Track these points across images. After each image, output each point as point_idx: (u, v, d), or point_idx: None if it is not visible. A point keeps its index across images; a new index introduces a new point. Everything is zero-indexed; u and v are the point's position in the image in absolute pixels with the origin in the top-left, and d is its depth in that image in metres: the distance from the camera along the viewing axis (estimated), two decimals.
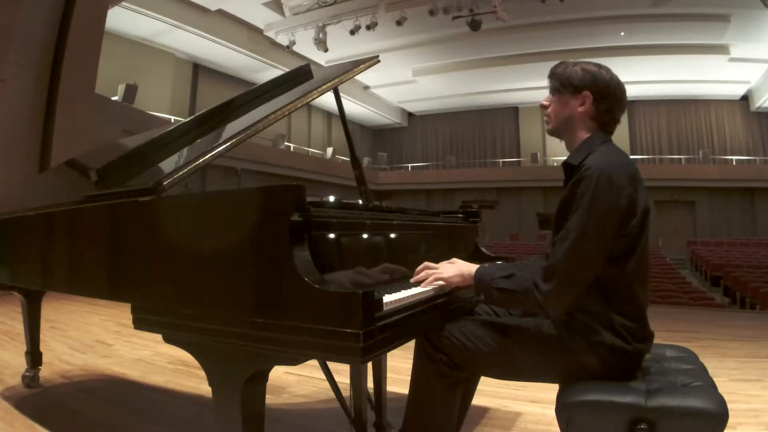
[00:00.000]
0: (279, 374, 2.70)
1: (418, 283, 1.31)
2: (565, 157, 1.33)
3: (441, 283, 1.30)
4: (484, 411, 2.20)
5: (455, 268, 1.32)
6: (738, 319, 5.77)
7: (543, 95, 1.38)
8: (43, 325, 2.50)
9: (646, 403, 1.07)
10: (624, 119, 20.11)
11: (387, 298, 1.06)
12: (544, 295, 1.16)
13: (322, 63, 13.86)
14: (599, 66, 1.32)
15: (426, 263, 1.36)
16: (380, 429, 1.80)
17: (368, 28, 12.84)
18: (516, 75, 16.91)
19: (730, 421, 1.06)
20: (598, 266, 1.16)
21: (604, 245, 1.16)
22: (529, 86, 17.35)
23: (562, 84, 1.32)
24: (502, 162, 21.53)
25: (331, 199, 1.41)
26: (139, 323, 1.26)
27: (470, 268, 1.31)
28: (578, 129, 1.32)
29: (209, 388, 1.13)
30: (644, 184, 1.25)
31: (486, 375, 1.41)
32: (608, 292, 1.19)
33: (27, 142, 6.26)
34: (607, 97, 1.29)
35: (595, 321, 1.19)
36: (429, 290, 1.27)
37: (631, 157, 17.87)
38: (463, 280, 1.30)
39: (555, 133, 1.37)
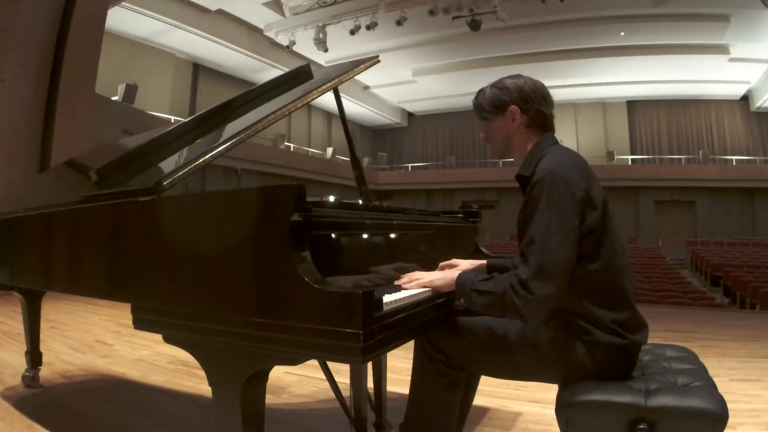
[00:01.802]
0: (279, 374, 2.70)
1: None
2: None
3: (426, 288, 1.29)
4: (484, 411, 2.20)
5: (438, 273, 1.33)
6: (738, 319, 5.76)
7: None
8: (43, 325, 2.50)
9: (645, 403, 1.07)
10: (624, 119, 20.26)
11: (387, 298, 1.06)
12: (521, 300, 1.14)
13: (322, 63, 13.85)
14: (510, 76, 1.36)
15: (412, 273, 1.34)
16: (380, 429, 1.80)
17: (368, 28, 12.84)
18: None
19: (730, 421, 1.06)
20: (569, 264, 1.16)
21: (569, 241, 1.15)
22: None
23: (485, 110, 1.36)
24: (502, 162, 21.48)
25: (331, 199, 1.41)
26: (139, 323, 1.26)
27: (453, 273, 1.31)
28: (520, 143, 1.34)
29: (209, 388, 1.13)
30: (596, 177, 1.26)
31: (486, 375, 1.41)
32: (589, 291, 1.19)
33: (27, 142, 6.27)
34: (530, 101, 1.31)
35: (585, 322, 1.19)
36: (429, 290, 1.27)
37: (631, 157, 17.82)
38: (444, 284, 1.28)
39: (501, 155, 1.40)
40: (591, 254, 1.19)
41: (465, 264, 1.47)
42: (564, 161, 1.22)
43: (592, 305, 1.19)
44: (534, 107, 1.31)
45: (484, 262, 1.53)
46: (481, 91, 1.39)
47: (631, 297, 1.23)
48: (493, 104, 1.34)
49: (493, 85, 1.37)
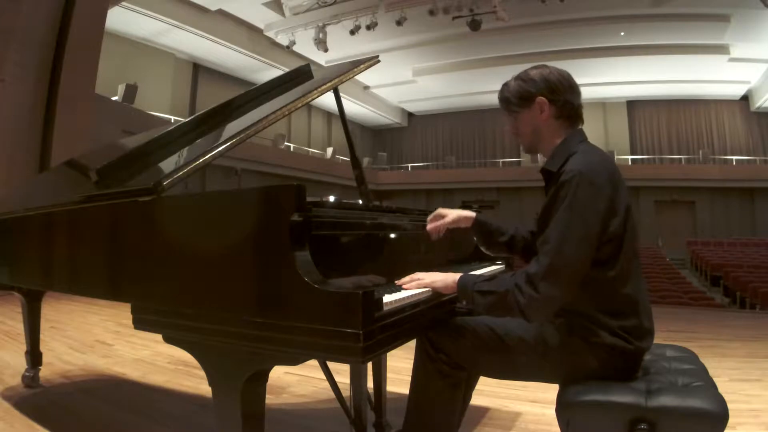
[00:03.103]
0: (279, 374, 2.70)
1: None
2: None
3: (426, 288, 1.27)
4: (484, 411, 2.20)
5: (441, 277, 1.30)
6: (738, 319, 5.76)
7: None
8: (43, 325, 2.50)
9: (646, 403, 1.07)
10: (624, 119, 20.26)
11: (387, 298, 1.06)
12: (526, 298, 1.14)
13: (322, 63, 13.85)
14: (535, 67, 1.33)
15: (414, 274, 1.32)
16: (380, 429, 1.80)
17: (368, 28, 12.83)
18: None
19: (730, 421, 1.06)
20: (581, 270, 1.15)
21: (585, 247, 1.14)
22: None
23: (512, 103, 1.33)
24: (502, 162, 21.52)
25: (331, 199, 1.40)
26: (139, 323, 1.26)
27: (455, 275, 1.29)
28: (549, 136, 1.31)
29: (209, 388, 1.13)
30: (624, 181, 1.24)
31: (486, 375, 1.41)
32: (599, 296, 1.19)
33: (27, 142, 6.27)
34: (557, 91, 1.28)
35: (592, 324, 1.19)
36: (429, 290, 1.26)
37: (631, 157, 17.79)
38: (445, 287, 1.27)
39: (531, 149, 1.37)
40: (609, 261, 1.18)
41: (453, 213, 1.47)
42: (593, 164, 1.19)
43: (602, 310, 1.18)
44: (562, 97, 1.28)
45: (473, 214, 1.52)
46: (505, 85, 1.36)
47: (641, 303, 1.21)
48: (519, 96, 1.31)
49: (518, 77, 1.33)
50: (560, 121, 1.30)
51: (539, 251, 1.17)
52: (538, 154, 1.38)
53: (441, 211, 1.49)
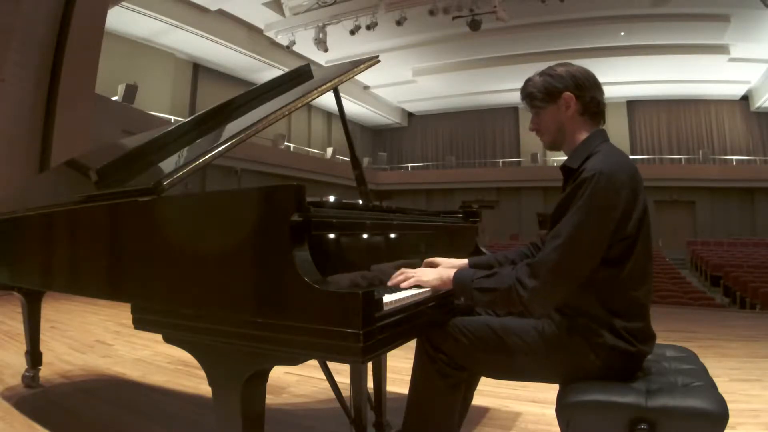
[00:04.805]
0: (279, 374, 2.70)
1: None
2: (565, 157, 1.33)
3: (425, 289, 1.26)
4: (484, 411, 2.20)
5: (435, 272, 1.30)
6: (738, 319, 5.76)
7: None
8: (43, 325, 2.50)
9: (646, 403, 1.07)
10: (624, 119, 20.24)
11: (387, 298, 1.06)
12: (528, 292, 1.13)
13: (322, 63, 13.84)
14: (559, 64, 1.32)
15: (402, 269, 1.32)
16: (380, 429, 1.80)
17: (368, 28, 12.84)
18: (516, 75, 16.86)
19: (730, 421, 1.06)
20: (587, 267, 1.15)
21: (595, 248, 1.14)
22: None
23: (537, 98, 1.31)
24: (502, 162, 21.53)
25: (331, 199, 1.40)
26: (139, 323, 1.26)
27: (450, 271, 1.28)
28: (573, 132, 1.30)
29: (209, 388, 1.13)
30: (643, 184, 1.23)
31: (486, 375, 1.40)
32: (608, 295, 1.18)
33: (27, 142, 6.27)
34: (584, 87, 1.28)
35: (596, 324, 1.18)
36: (429, 290, 1.26)
37: (631, 157, 17.84)
38: (442, 284, 1.26)
39: (554, 145, 1.35)
40: (620, 260, 1.17)
41: (446, 263, 1.46)
42: (615, 164, 1.18)
43: (609, 310, 1.18)
44: (588, 94, 1.28)
45: (466, 261, 1.51)
46: (529, 80, 1.34)
47: (646, 311, 1.21)
48: (546, 92, 1.29)
49: (543, 73, 1.32)
50: (584, 118, 1.29)
51: (547, 244, 1.16)
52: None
53: (435, 260, 1.48)
